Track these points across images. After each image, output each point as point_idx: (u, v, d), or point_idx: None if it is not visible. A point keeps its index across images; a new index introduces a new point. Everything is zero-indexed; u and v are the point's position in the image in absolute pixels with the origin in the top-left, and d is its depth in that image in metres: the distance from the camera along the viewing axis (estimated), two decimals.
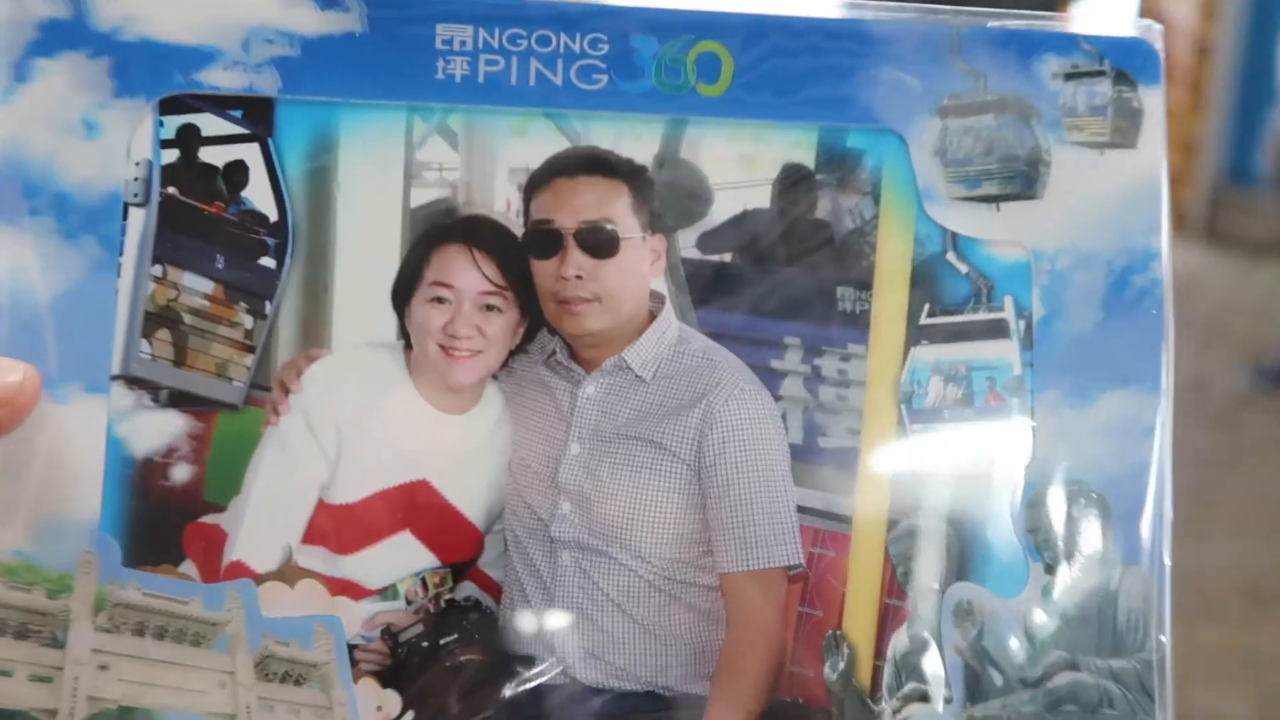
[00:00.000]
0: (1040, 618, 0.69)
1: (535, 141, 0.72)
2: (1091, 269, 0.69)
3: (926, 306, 0.71)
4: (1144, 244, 0.69)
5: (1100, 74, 0.70)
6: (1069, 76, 0.70)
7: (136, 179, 0.69)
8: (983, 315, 0.71)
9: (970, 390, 0.71)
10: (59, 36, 0.67)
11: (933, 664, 0.69)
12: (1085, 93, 0.70)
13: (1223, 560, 3.17)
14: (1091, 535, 0.70)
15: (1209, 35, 5.53)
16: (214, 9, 0.68)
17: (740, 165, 0.72)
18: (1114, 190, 0.70)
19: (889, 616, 0.71)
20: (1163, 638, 0.69)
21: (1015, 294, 0.70)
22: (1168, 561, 0.69)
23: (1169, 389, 0.69)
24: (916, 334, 0.71)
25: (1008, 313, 0.71)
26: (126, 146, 0.68)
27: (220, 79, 0.68)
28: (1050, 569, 0.69)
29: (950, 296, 0.71)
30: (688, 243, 0.73)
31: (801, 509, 0.73)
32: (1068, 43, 0.70)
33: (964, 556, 0.69)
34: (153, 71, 0.68)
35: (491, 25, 0.69)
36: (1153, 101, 0.69)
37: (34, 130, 0.67)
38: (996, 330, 0.71)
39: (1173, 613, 0.70)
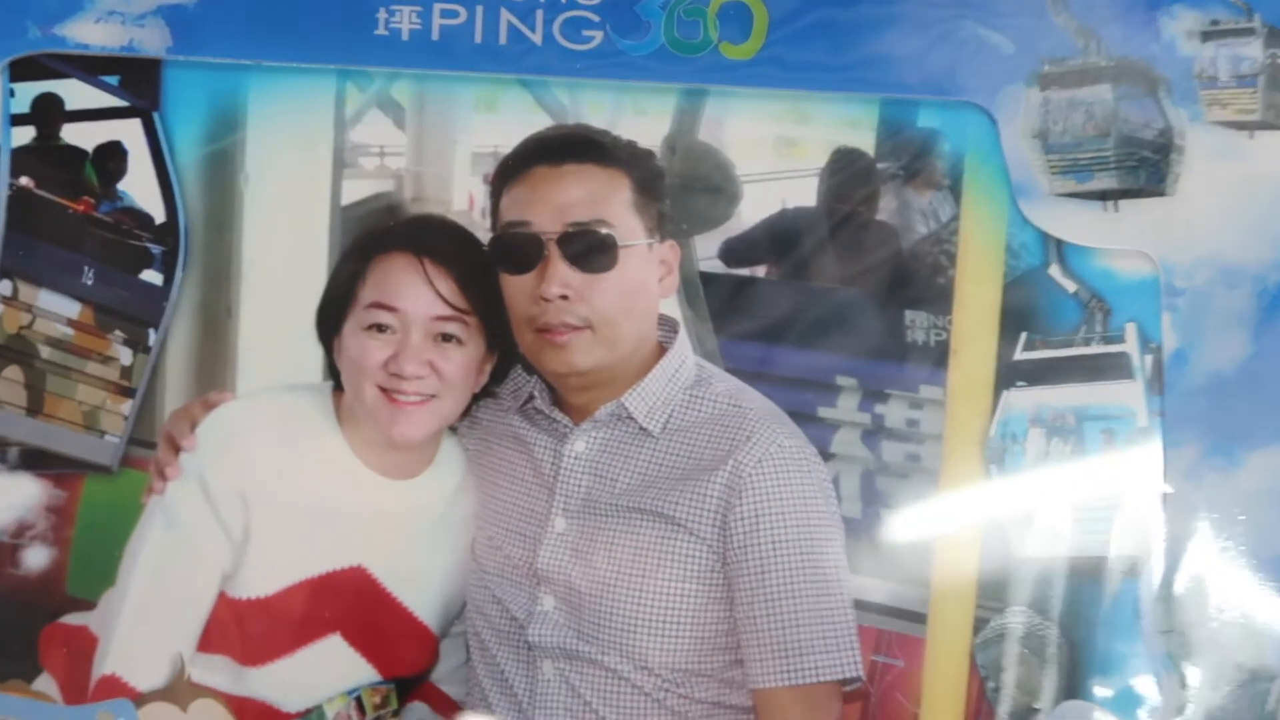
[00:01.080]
0: None
1: (507, 118, 0.69)
2: (1237, 286, 0.66)
3: (1024, 337, 0.68)
4: None
5: (1248, 32, 0.66)
6: (1206, 35, 0.67)
7: None
8: (1097, 348, 0.67)
9: (1082, 446, 0.67)
10: None
11: None
12: (1228, 57, 0.67)
13: None
14: (1244, 637, 0.65)
15: None
16: None
17: (778, 151, 0.69)
18: (1266, 184, 0.66)
19: None
20: None
21: (1140, 320, 0.67)
22: None
23: None
24: (1010, 373, 0.68)
25: (1130, 345, 0.67)
26: None
27: (91, 34, 0.65)
28: (1187, 682, 0.65)
29: (1055, 324, 0.68)
30: (708, 252, 0.70)
31: (860, 604, 0.67)
32: None
33: (1075, 666, 0.66)
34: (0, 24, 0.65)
35: None
36: None
37: None
38: (1116, 368, 0.67)
39: None
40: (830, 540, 0.66)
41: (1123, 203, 0.65)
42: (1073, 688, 0.65)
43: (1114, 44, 0.65)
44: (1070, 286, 0.66)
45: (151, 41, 0.64)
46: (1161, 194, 0.65)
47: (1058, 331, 0.67)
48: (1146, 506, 0.66)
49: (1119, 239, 0.66)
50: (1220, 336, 0.65)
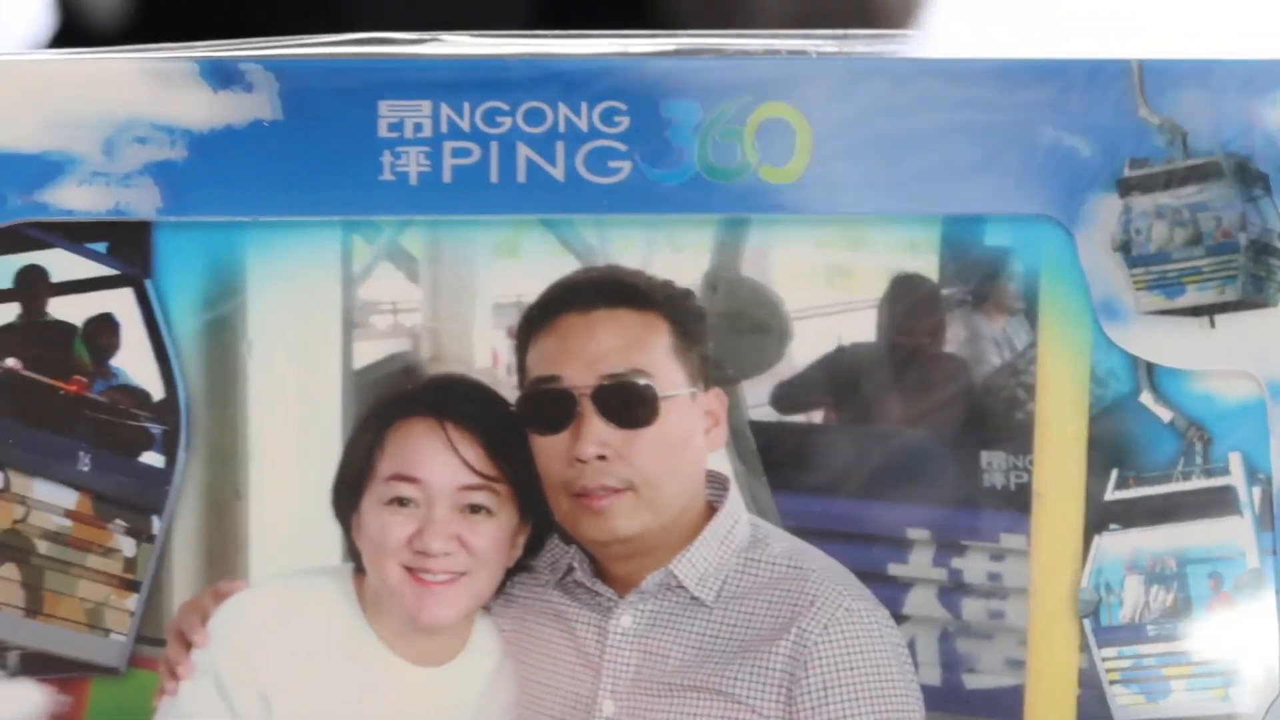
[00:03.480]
0: None
1: (530, 263, 0.68)
2: None
3: (1115, 474, 0.66)
4: None
5: None
6: None
7: None
8: (1199, 482, 0.65)
9: (1187, 594, 0.65)
10: None
11: None
12: None
13: None
14: None
15: None
16: (64, 100, 0.66)
17: (830, 281, 0.68)
18: None
19: None
20: None
21: (1245, 450, 0.65)
22: None
23: None
24: (1102, 516, 0.66)
25: (1235, 477, 0.65)
26: None
27: (75, 199, 0.65)
28: None
29: (1150, 458, 0.66)
30: (759, 399, 0.69)
31: None
32: None
33: None
34: None
35: (458, 98, 0.65)
36: None
37: None
38: (1221, 503, 0.65)
39: None
40: (908, 713, 0.66)
41: (1220, 318, 0.64)
42: None
43: (1204, 139, 0.64)
44: (1165, 415, 0.65)
45: (140, 203, 0.63)
46: (1265, 305, 0.64)
47: (1153, 466, 0.65)
48: (1264, 657, 0.64)
49: (1218, 359, 0.64)
50: None
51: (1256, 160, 0.66)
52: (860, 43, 0.69)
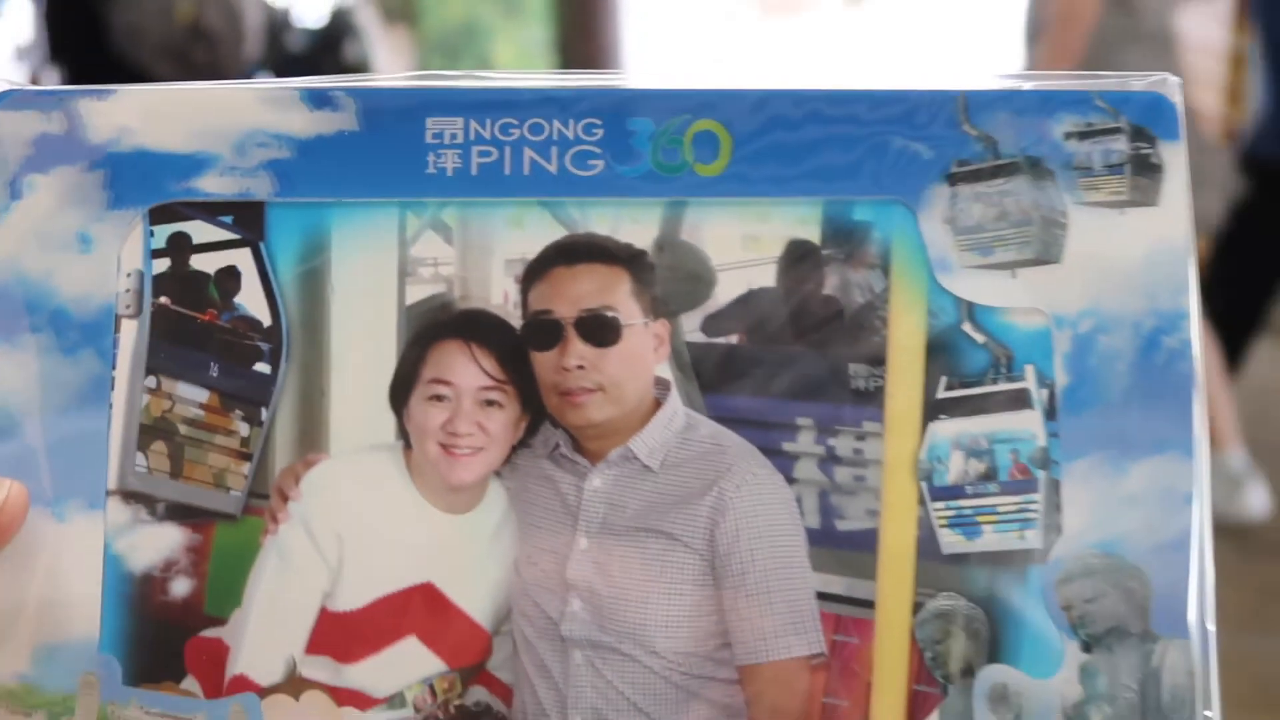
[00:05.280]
0: (1079, 697, 0.71)
1: (531, 232, 0.76)
2: (1117, 333, 0.73)
3: (944, 380, 0.75)
4: (1172, 305, 0.73)
5: (1116, 131, 0.74)
6: (1083, 135, 0.74)
7: (128, 290, 0.74)
8: (1003, 386, 0.74)
9: (994, 465, 0.74)
10: (53, 151, 0.73)
11: None
12: (1101, 151, 0.74)
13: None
14: (1129, 611, 0.72)
15: (1235, 120, 6.89)
16: (207, 116, 0.74)
17: (744, 245, 0.76)
18: (1137, 250, 0.73)
19: (919, 704, 0.74)
20: (1208, 713, 0.71)
21: (1037, 363, 0.74)
22: (1210, 628, 0.71)
23: (1204, 455, 0.72)
24: (934, 409, 0.75)
25: (1029, 383, 0.74)
26: (116, 258, 0.74)
27: (214, 185, 0.74)
28: (1088, 647, 0.72)
29: (968, 368, 0.75)
30: (692, 326, 0.77)
31: (821, 595, 0.76)
32: (1080, 100, 0.74)
33: (995, 638, 0.72)
34: (146, 181, 0.74)
35: (483, 116, 0.74)
36: (1174, 157, 0.74)
37: (31, 247, 0.73)
38: (1019, 401, 0.74)
39: (1221, 689, 0.71)
40: (796, 546, 0.74)
41: (1020, 271, 0.72)
42: (994, 654, 0.71)
43: (1009, 146, 0.72)
44: (980, 339, 0.73)
45: (259, 188, 0.72)
46: (1052, 262, 0.72)
47: (971, 375, 0.73)
48: (1048, 509, 0.72)
49: (1018, 299, 0.72)
50: (1103, 373, 0.71)
51: (1046, 161, 0.73)
52: (766, 78, 0.74)
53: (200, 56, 3.20)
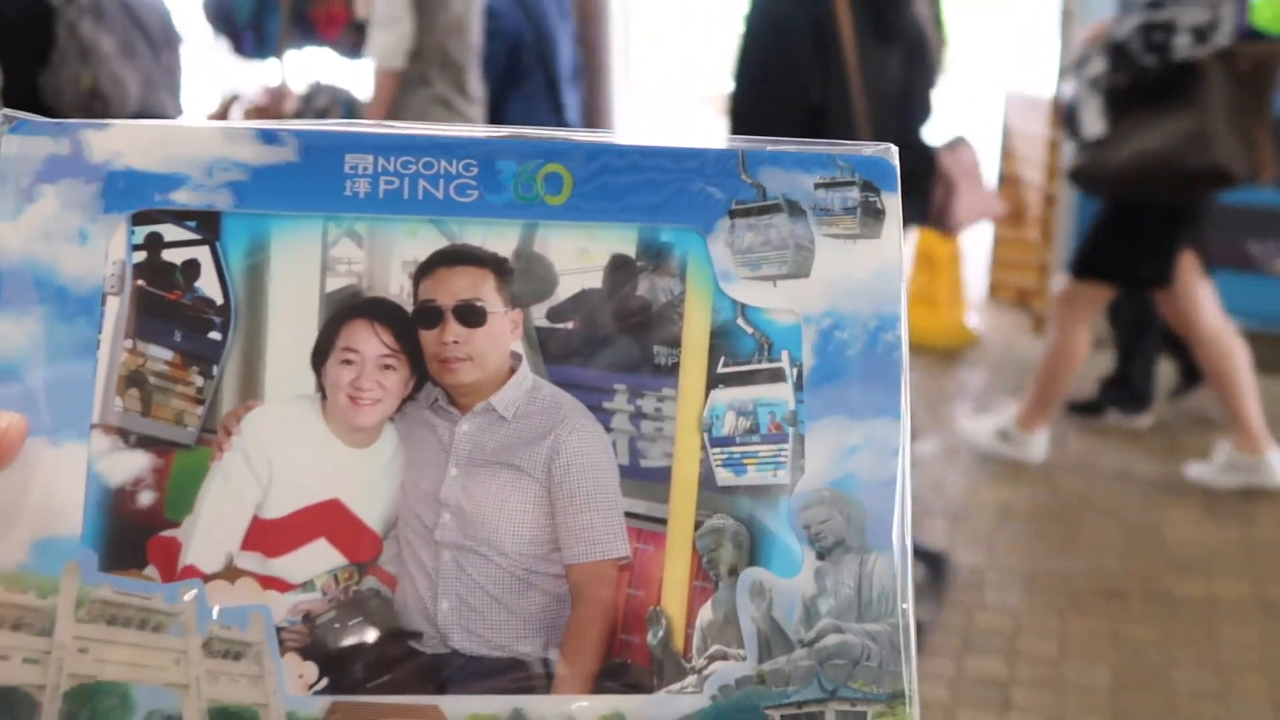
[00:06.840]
0: (813, 592, 0.81)
1: (422, 241, 0.84)
2: (849, 329, 0.84)
3: (722, 359, 0.84)
4: (890, 310, 0.84)
5: (851, 184, 0.85)
6: (828, 186, 0.85)
7: (114, 274, 0.81)
8: (765, 365, 0.84)
9: (756, 422, 0.84)
10: (60, 167, 0.80)
11: (732, 631, 0.81)
12: (840, 197, 0.85)
13: (1084, 568, 4.64)
14: (851, 530, 0.83)
15: (1053, 188, 7.60)
16: (182, 146, 0.81)
17: (579, 256, 0.84)
18: (865, 270, 0.84)
19: (697, 595, 0.83)
20: (905, 606, 0.81)
21: (790, 349, 0.84)
22: (908, 545, 0.82)
23: (907, 419, 0.83)
24: (715, 380, 0.85)
25: (784, 363, 0.84)
26: (105, 250, 0.80)
27: (185, 198, 0.81)
28: (821, 556, 0.82)
29: (741, 351, 0.84)
30: (539, 315, 0.85)
31: (629, 515, 0.86)
32: (826, 161, 0.85)
33: (754, 548, 0.83)
34: (132, 193, 0.81)
35: (388, 153, 0.82)
36: (891, 204, 0.84)
37: (40, 239, 0.80)
38: (776, 376, 0.84)
39: (912, 588, 0.82)
40: (612, 477, 0.84)
41: (780, 282, 0.83)
42: (753, 560, 0.82)
43: (774, 191, 0.83)
44: (749, 330, 0.83)
45: (220, 201, 0.80)
46: (803, 276, 0.82)
47: (742, 356, 0.82)
48: (794, 455, 0.82)
49: (778, 303, 0.82)
50: (838, 357, 0.83)
51: (800, 203, 0.83)
52: (602, 135, 0.83)
53: (98, 111, 4.43)
